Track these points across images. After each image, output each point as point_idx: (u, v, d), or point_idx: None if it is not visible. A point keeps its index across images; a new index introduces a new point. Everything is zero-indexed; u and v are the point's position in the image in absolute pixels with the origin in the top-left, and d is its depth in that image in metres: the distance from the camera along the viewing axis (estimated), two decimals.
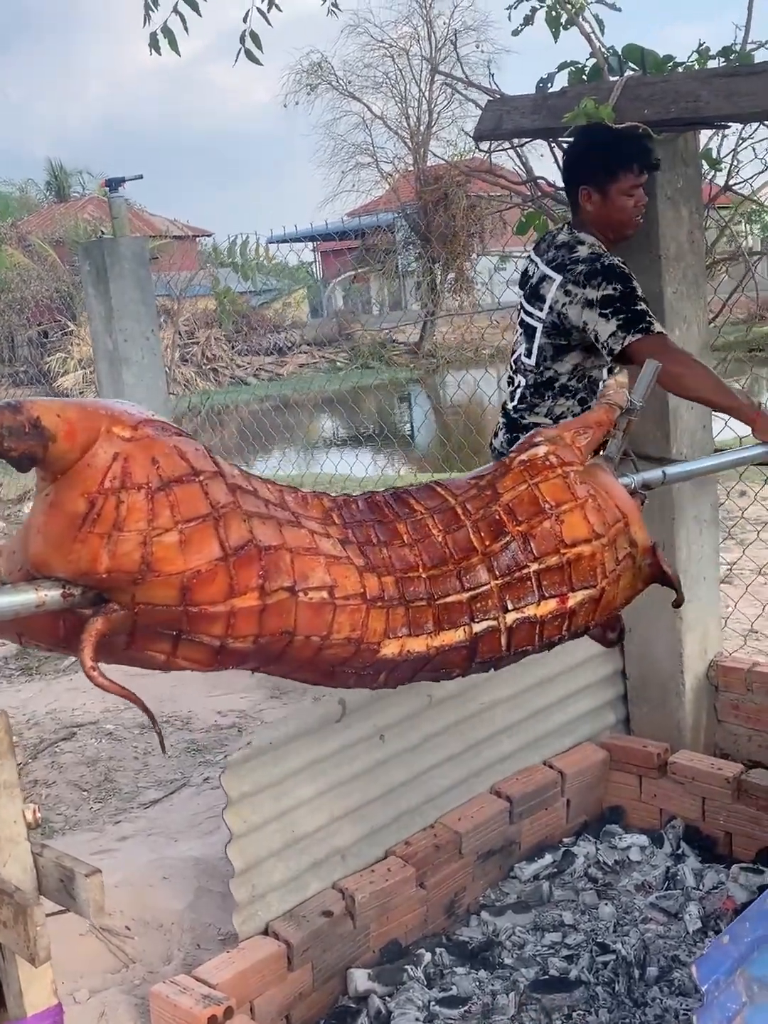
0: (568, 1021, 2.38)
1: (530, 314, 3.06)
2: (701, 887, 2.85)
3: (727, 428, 3.49)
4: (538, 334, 3.02)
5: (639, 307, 2.77)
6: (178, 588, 1.54)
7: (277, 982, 2.40)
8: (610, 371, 3.05)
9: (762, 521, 5.93)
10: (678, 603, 2.24)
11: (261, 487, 1.81)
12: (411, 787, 2.81)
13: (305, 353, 26.25)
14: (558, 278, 2.93)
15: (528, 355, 3.09)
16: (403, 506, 1.99)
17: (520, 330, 3.14)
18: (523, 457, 2.09)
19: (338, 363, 24.59)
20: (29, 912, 1.29)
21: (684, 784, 3.06)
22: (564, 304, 2.89)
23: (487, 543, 1.98)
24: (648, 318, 2.75)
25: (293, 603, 1.71)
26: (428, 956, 2.61)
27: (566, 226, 3.06)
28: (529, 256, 3.17)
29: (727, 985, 1.72)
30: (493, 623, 1.95)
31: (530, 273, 3.10)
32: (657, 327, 2.75)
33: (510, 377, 3.22)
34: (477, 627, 1.94)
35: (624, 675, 3.36)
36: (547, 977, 2.52)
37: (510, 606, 1.96)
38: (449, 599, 1.92)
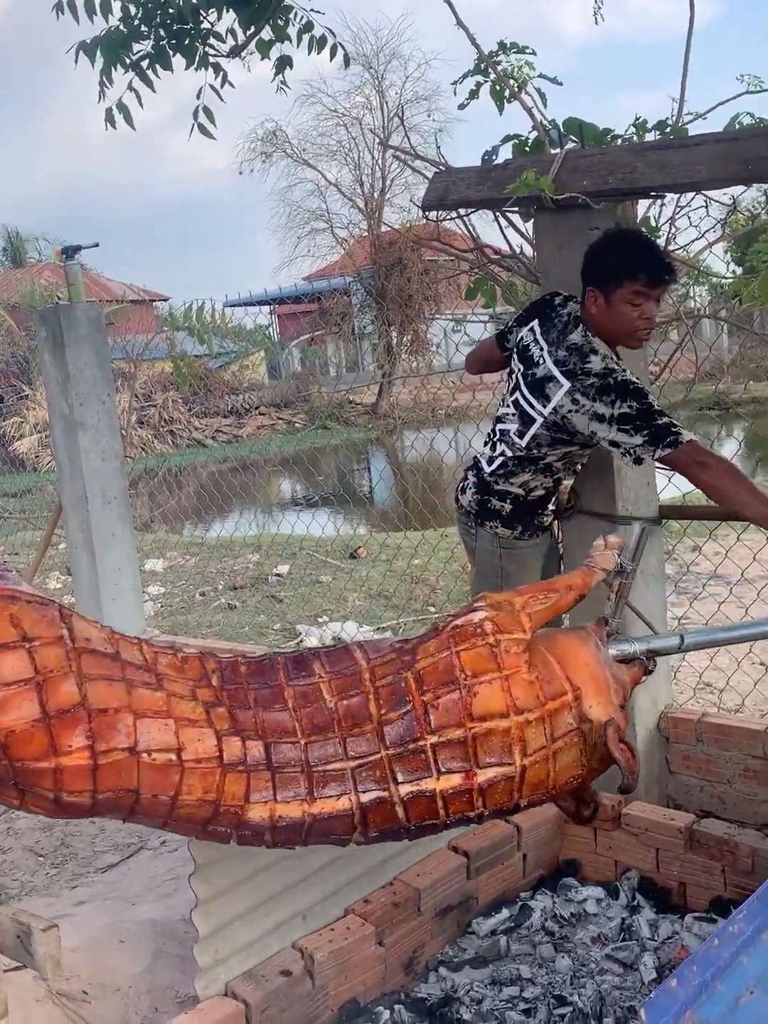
0: None
1: (530, 404, 3.08)
2: (656, 938, 2.87)
3: (671, 484, 3.59)
4: (536, 425, 3.05)
5: (661, 421, 2.80)
6: None
7: None
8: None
9: (711, 575, 6.04)
10: (625, 789, 2.09)
11: (128, 650, 1.90)
12: (371, 846, 2.82)
13: (263, 415, 26.39)
14: (567, 384, 2.94)
15: (520, 436, 3.11)
16: (301, 669, 2.02)
17: (514, 409, 3.14)
18: (457, 621, 2.08)
19: (296, 424, 24.75)
20: None
21: (638, 835, 3.10)
22: (570, 411, 2.93)
23: (384, 711, 1.97)
24: (674, 429, 2.78)
25: (134, 763, 1.79)
26: (387, 1014, 2.61)
27: (580, 325, 3.02)
28: (531, 329, 3.15)
29: None
30: (382, 794, 1.93)
31: (534, 356, 3.08)
32: (686, 436, 2.77)
33: (492, 442, 3.24)
34: (364, 797, 1.93)
35: None
36: None
37: (401, 778, 1.94)
38: (330, 767, 1.92)
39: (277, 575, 8.57)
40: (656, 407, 2.83)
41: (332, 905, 2.71)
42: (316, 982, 2.56)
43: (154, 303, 29.62)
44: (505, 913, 2.99)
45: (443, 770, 1.95)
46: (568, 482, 3.22)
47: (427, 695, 1.98)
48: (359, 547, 9.06)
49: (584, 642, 2.13)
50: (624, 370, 2.93)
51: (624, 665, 2.20)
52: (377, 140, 28.69)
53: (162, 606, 7.98)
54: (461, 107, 3.85)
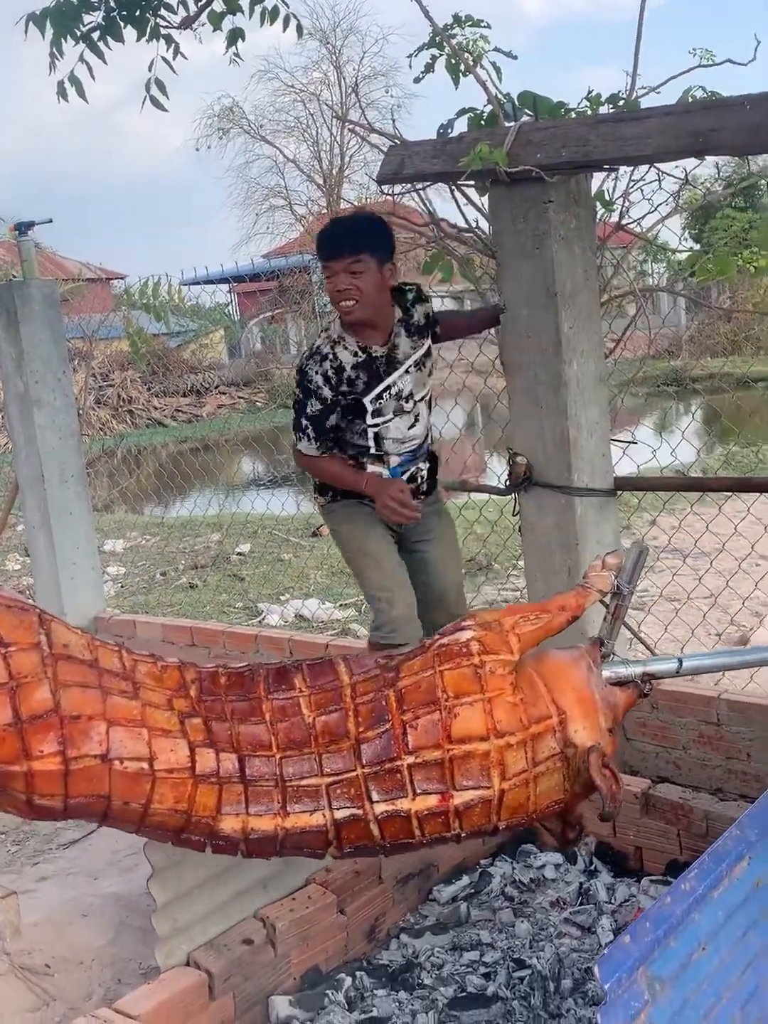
0: None
1: None
2: (613, 901, 2.93)
3: (625, 456, 3.63)
4: None
5: (297, 419, 3.30)
6: None
7: (199, 1012, 2.41)
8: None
9: (666, 548, 6.12)
10: (605, 817, 2.09)
11: (106, 657, 1.92)
12: None
13: (223, 393, 26.24)
14: None
15: None
16: (281, 683, 2.02)
17: None
18: (443, 640, 2.06)
19: (257, 403, 24.63)
20: None
21: (594, 801, 3.11)
22: None
23: (362, 729, 1.97)
24: (296, 432, 3.32)
25: (106, 770, 1.82)
26: (348, 980, 2.64)
27: None
28: None
29: (629, 984, 1.79)
30: (357, 812, 1.94)
31: None
32: (300, 445, 3.33)
33: None
34: (338, 813, 1.94)
35: None
36: (465, 994, 2.57)
37: (376, 796, 1.94)
38: (304, 782, 1.94)
39: (239, 554, 8.57)
40: (304, 408, 3.27)
41: (293, 874, 2.73)
42: (278, 950, 2.59)
43: (110, 282, 29.31)
44: (465, 880, 3.03)
45: (419, 791, 1.95)
46: (374, 469, 3.38)
47: (407, 715, 1.98)
48: (320, 525, 9.07)
49: (575, 664, 2.11)
50: (314, 364, 3.25)
51: (618, 688, 2.17)
52: (334, 115, 28.51)
53: (122, 586, 7.95)
54: (416, 81, 3.85)
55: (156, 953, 2.43)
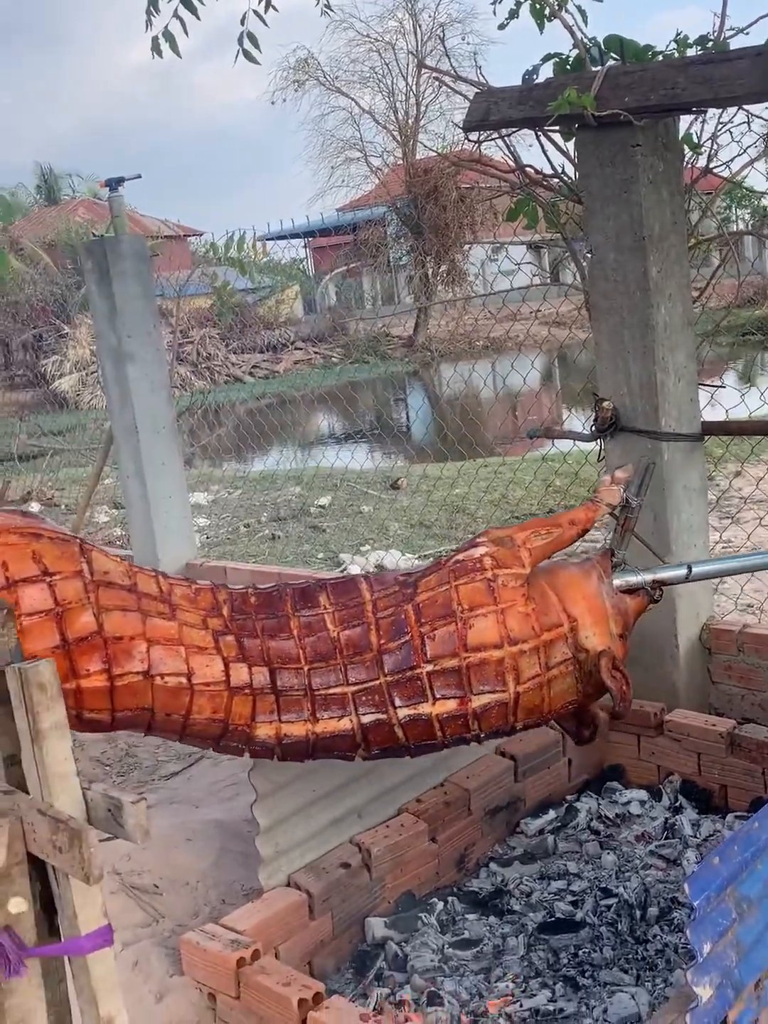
0: (574, 959, 2.52)
1: None
2: (698, 836, 2.99)
3: (744, 403, 3.61)
4: None
5: None
6: None
7: (300, 929, 2.54)
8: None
9: (754, 499, 6.08)
10: (616, 715, 2.20)
11: (145, 582, 2.06)
12: None
13: (300, 349, 26.38)
14: None
15: None
16: (307, 601, 2.16)
17: None
18: (459, 557, 2.20)
19: (334, 358, 24.72)
20: (83, 835, 1.44)
21: (680, 741, 3.20)
22: None
23: (383, 641, 2.11)
24: None
25: (148, 686, 1.97)
26: (441, 905, 2.75)
27: None
28: None
29: (718, 902, 1.86)
30: (382, 716, 2.09)
31: None
32: None
33: None
34: (365, 719, 2.09)
35: None
36: (554, 920, 2.66)
37: (399, 702, 2.09)
38: (331, 691, 2.09)
39: (319, 506, 8.69)
40: None
41: (386, 804, 2.85)
42: (373, 874, 2.71)
43: (187, 238, 29.50)
44: (552, 814, 3.12)
45: (438, 696, 2.10)
46: None
47: (425, 627, 2.11)
48: (399, 478, 9.15)
49: (586, 575, 2.22)
50: None
51: (628, 595, 2.28)
52: (412, 63, 28.13)
53: (208, 538, 8.14)
54: (501, 27, 3.83)
55: (259, 873, 2.56)
